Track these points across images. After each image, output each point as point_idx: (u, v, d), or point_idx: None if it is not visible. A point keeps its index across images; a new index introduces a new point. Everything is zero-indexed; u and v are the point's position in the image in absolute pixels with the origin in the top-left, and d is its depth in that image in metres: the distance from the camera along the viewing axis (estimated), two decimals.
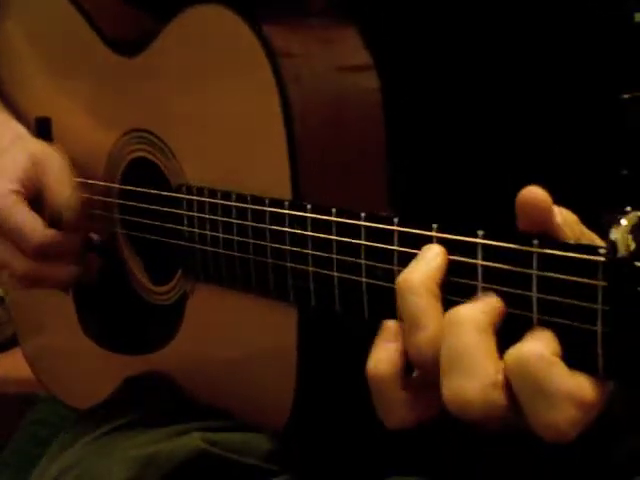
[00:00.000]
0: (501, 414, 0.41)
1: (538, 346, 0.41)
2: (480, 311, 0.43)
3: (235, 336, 0.69)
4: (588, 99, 0.65)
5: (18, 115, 0.87)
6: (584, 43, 0.65)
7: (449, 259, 0.46)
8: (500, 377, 0.41)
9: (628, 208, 0.51)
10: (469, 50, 0.67)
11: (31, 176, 0.77)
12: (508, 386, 0.41)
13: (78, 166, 0.80)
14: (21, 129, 0.84)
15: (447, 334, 0.43)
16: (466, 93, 0.67)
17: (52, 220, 0.76)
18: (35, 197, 0.77)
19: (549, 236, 0.43)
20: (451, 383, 0.42)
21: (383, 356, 0.47)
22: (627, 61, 0.65)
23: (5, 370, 1.28)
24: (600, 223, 0.52)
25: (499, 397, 0.41)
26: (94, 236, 0.81)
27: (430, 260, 0.46)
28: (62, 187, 0.76)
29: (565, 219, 0.45)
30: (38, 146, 0.80)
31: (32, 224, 0.75)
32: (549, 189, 0.43)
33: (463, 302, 0.45)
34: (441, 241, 0.47)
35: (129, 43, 0.74)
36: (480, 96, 0.67)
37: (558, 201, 0.45)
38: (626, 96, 0.63)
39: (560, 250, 0.42)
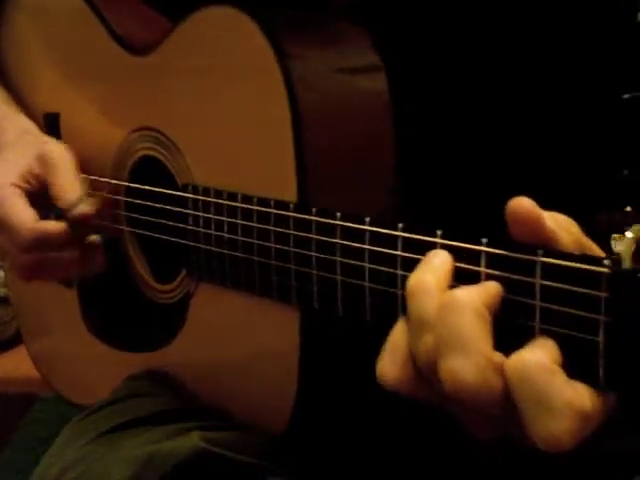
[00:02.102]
0: (495, 399, 0.41)
1: (539, 355, 0.41)
2: (477, 294, 0.43)
3: (237, 337, 0.69)
4: (589, 99, 0.65)
5: (26, 110, 0.87)
6: (585, 43, 0.65)
7: (454, 265, 0.46)
8: (496, 360, 0.42)
9: (628, 208, 0.51)
10: (473, 50, 0.67)
11: (37, 174, 0.77)
12: (504, 379, 0.41)
13: (85, 162, 0.81)
14: (29, 124, 0.84)
15: (444, 315, 0.43)
16: (470, 93, 0.67)
17: (57, 218, 0.76)
18: (39, 194, 0.77)
19: (545, 244, 0.43)
20: (447, 363, 0.42)
21: (391, 360, 0.46)
22: (628, 61, 0.65)
23: (5, 370, 1.28)
24: (600, 223, 0.52)
25: (495, 379, 0.41)
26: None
27: (439, 265, 0.46)
28: (69, 189, 0.76)
29: (559, 224, 0.44)
30: (47, 144, 0.80)
31: (23, 217, 0.75)
32: (549, 190, 0.43)
33: None
34: (445, 248, 0.47)
35: (140, 42, 0.74)
36: (483, 95, 0.67)
37: (558, 202, 0.44)
38: (626, 96, 0.63)
39: (564, 260, 0.42)
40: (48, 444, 0.73)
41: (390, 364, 0.46)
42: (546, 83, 0.66)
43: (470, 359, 0.41)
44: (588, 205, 0.55)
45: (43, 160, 0.77)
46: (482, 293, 0.43)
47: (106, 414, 0.73)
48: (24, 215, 0.74)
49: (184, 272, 0.73)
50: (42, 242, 0.74)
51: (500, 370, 0.41)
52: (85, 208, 0.75)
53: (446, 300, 0.43)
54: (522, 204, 0.42)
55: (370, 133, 0.63)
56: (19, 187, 0.76)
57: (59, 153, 0.78)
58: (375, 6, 0.68)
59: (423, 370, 0.44)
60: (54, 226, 0.75)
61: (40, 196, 0.78)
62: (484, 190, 0.66)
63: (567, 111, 0.65)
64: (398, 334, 0.47)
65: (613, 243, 0.40)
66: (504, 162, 0.67)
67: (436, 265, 0.46)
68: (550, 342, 0.42)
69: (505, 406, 0.41)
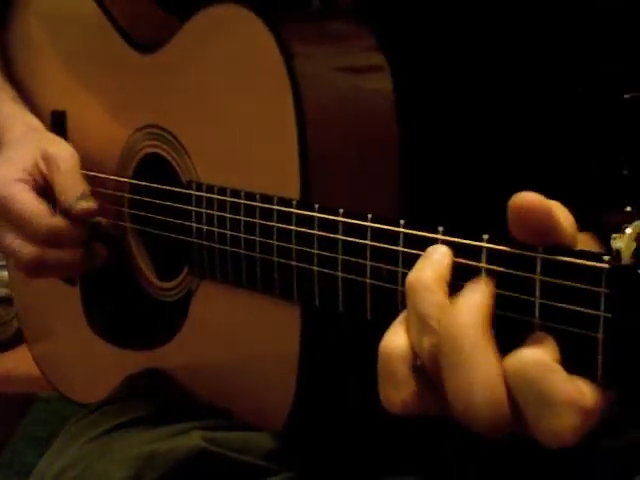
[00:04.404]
0: (505, 415, 0.41)
1: (538, 352, 0.40)
2: (478, 309, 0.42)
3: (238, 335, 0.69)
4: (589, 99, 0.65)
5: (33, 108, 0.88)
6: (586, 44, 0.65)
7: (454, 261, 0.46)
8: (502, 370, 0.41)
9: (628, 208, 0.51)
10: (477, 49, 0.67)
11: (41, 170, 0.78)
12: (509, 388, 0.41)
13: (91, 160, 0.81)
14: (35, 122, 0.85)
15: (447, 333, 0.42)
16: (474, 93, 0.67)
17: (61, 213, 0.77)
18: (43, 190, 0.78)
19: (552, 238, 0.43)
20: (454, 383, 0.42)
21: (398, 335, 0.46)
22: (628, 61, 0.65)
23: (5, 370, 1.28)
24: (600, 224, 0.52)
25: (504, 395, 0.41)
26: (102, 220, 0.81)
27: (439, 260, 0.46)
28: (72, 186, 0.76)
29: (565, 216, 0.43)
30: (51, 141, 0.81)
31: (38, 211, 0.75)
32: (550, 190, 0.42)
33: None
34: (446, 244, 0.47)
35: (148, 40, 0.75)
36: (486, 95, 0.67)
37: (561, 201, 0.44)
38: (627, 96, 0.63)
39: (564, 256, 0.42)
40: (48, 444, 0.73)
41: (393, 389, 0.45)
42: (548, 83, 0.66)
43: (478, 378, 0.41)
44: (592, 205, 0.55)
45: (48, 160, 0.78)
46: (483, 303, 0.42)
47: (105, 413, 0.73)
48: (39, 209, 0.75)
49: (186, 270, 0.73)
50: (55, 237, 0.75)
51: (507, 386, 0.41)
52: (87, 204, 0.75)
53: (448, 317, 0.43)
54: (530, 197, 0.41)
55: (374, 133, 0.63)
56: (27, 182, 0.76)
57: (64, 153, 0.78)
58: (380, 6, 0.69)
59: (428, 369, 0.44)
60: (68, 223, 0.75)
61: (45, 194, 0.78)
62: (486, 189, 0.66)
63: (568, 111, 0.65)
64: (391, 346, 0.46)
65: (613, 242, 0.40)
66: (507, 162, 0.67)
67: (435, 260, 0.46)
68: (549, 338, 0.41)
69: (511, 408, 0.41)
